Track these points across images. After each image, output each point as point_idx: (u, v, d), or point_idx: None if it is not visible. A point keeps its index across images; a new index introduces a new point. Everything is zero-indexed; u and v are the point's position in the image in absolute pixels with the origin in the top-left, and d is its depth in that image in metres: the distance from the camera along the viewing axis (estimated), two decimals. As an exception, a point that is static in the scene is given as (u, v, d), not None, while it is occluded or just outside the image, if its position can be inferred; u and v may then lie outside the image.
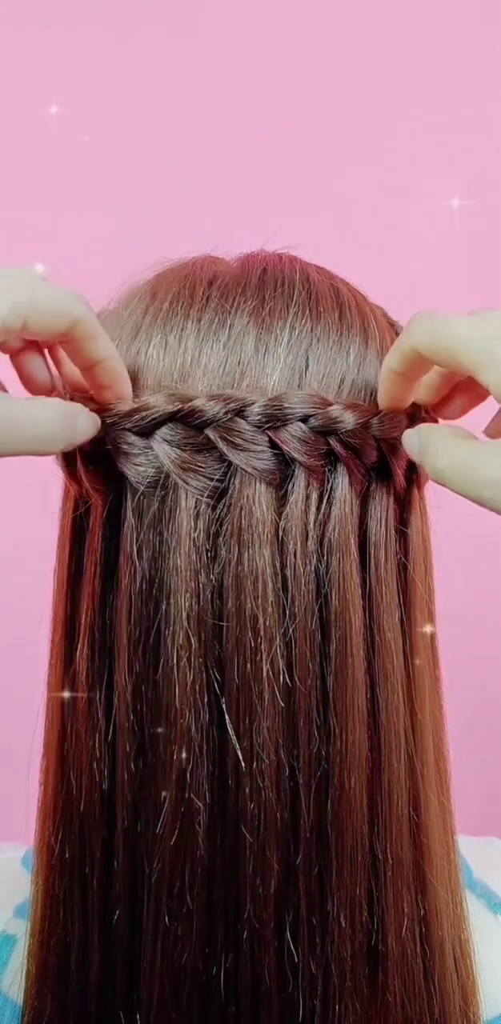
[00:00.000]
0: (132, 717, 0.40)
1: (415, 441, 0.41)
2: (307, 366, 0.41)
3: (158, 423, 0.40)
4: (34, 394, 0.42)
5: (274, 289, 0.43)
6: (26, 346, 0.41)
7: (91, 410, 0.41)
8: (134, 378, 0.42)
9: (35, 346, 0.42)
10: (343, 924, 0.40)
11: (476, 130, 1.03)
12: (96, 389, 0.41)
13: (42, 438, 0.38)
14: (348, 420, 0.40)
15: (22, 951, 0.45)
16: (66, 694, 0.43)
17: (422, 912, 0.43)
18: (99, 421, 0.41)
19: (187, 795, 0.39)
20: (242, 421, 0.40)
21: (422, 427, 0.41)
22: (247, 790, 0.39)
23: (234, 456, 0.40)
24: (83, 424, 0.40)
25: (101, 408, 0.41)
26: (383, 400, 0.42)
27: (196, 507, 0.40)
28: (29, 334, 0.38)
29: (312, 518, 0.40)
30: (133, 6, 1.05)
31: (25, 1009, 0.44)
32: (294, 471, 0.40)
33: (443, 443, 0.39)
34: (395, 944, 0.41)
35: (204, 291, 0.43)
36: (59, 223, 1.03)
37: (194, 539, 0.40)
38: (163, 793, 0.40)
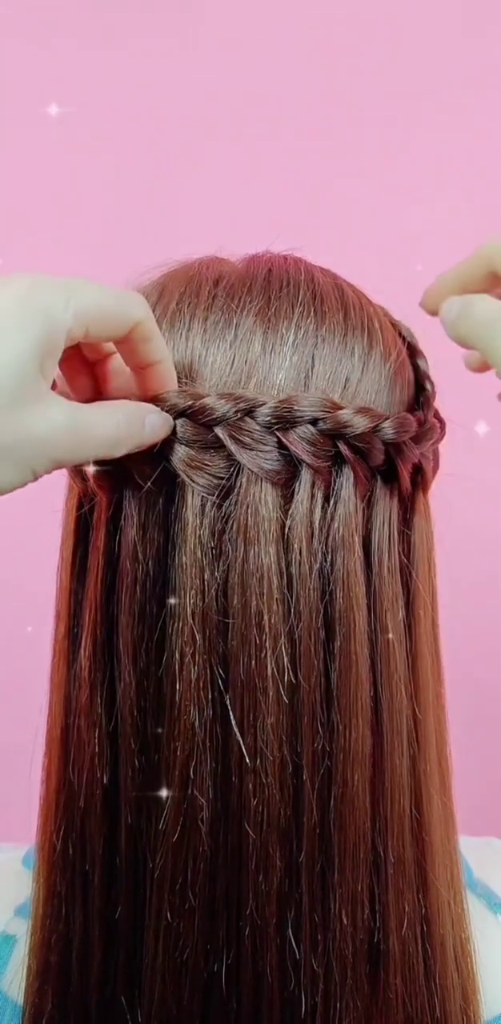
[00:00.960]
0: (135, 714, 0.41)
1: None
2: (313, 366, 0.41)
3: None
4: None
5: (279, 289, 0.43)
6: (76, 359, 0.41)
7: None
8: None
9: (84, 362, 0.42)
10: (345, 921, 0.40)
11: (476, 130, 1.03)
12: (145, 391, 0.41)
13: (109, 443, 0.38)
14: (358, 424, 0.41)
15: (23, 951, 0.45)
16: (69, 691, 0.44)
17: (423, 910, 0.43)
18: (171, 420, 0.40)
19: (190, 791, 0.39)
20: (251, 421, 0.40)
21: (467, 296, 0.45)
22: (250, 786, 0.39)
23: (242, 455, 0.40)
24: (152, 423, 0.39)
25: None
26: (432, 302, 0.47)
27: (202, 504, 0.40)
28: (89, 339, 0.38)
29: (317, 517, 0.40)
30: (134, 6, 1.05)
31: (26, 1006, 0.44)
32: (300, 471, 0.41)
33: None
34: (396, 942, 0.41)
35: (210, 291, 0.43)
36: (60, 224, 1.03)
37: (199, 536, 0.40)
38: (166, 790, 0.40)
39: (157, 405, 0.40)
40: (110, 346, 0.41)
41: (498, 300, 0.44)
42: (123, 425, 0.38)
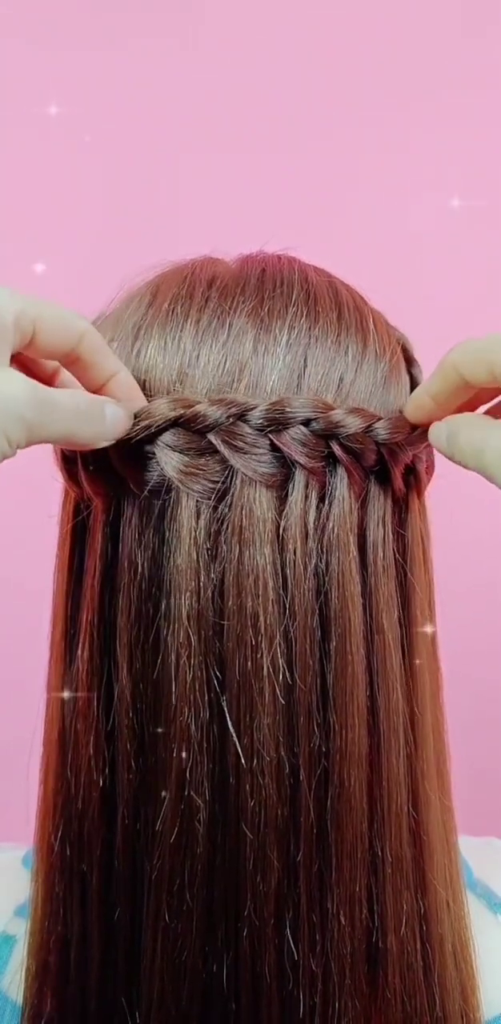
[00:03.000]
0: (132, 716, 0.41)
1: (442, 432, 0.42)
2: (306, 366, 0.41)
3: (161, 429, 0.40)
4: None
5: (273, 289, 0.43)
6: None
7: None
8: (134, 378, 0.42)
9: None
10: (343, 921, 0.40)
11: (476, 130, 1.03)
12: None
13: (74, 417, 0.38)
14: (350, 425, 0.40)
15: (22, 951, 0.45)
16: (66, 694, 0.44)
17: (422, 910, 0.43)
18: (131, 415, 0.40)
19: (187, 793, 0.39)
20: (244, 425, 0.40)
21: (452, 418, 0.42)
22: (247, 787, 0.39)
23: (236, 460, 0.40)
24: (113, 414, 0.40)
25: None
26: (414, 418, 0.44)
27: (197, 507, 0.40)
28: (38, 350, 0.38)
29: (312, 517, 0.40)
30: (134, 6, 1.05)
31: (25, 1007, 0.44)
32: (294, 473, 0.40)
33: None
34: (395, 941, 0.41)
35: (203, 292, 0.43)
36: (58, 224, 1.03)
37: (195, 538, 0.40)
38: (163, 791, 0.40)
39: (147, 421, 0.40)
40: (54, 364, 0.42)
41: (481, 420, 0.42)
42: (83, 406, 0.38)
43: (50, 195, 1.04)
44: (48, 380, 0.42)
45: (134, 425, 0.40)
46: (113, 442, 0.40)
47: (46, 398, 0.37)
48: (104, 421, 0.39)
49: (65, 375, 0.43)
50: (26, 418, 0.36)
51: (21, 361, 0.40)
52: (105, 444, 0.40)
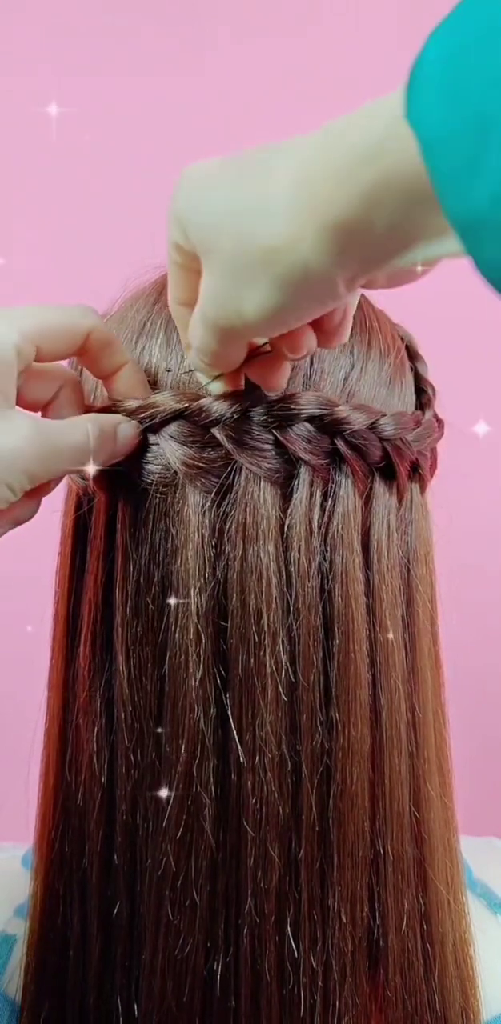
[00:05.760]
0: (131, 711, 0.41)
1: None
2: (311, 365, 0.41)
3: (165, 421, 0.40)
4: None
5: None
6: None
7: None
8: None
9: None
10: (344, 919, 0.40)
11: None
12: (119, 397, 0.42)
13: (81, 451, 0.38)
14: (355, 421, 0.40)
15: (22, 950, 0.45)
16: (67, 691, 0.44)
17: (423, 908, 0.43)
18: (139, 428, 0.41)
19: (196, 790, 0.39)
20: (248, 421, 0.40)
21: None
22: (249, 784, 0.39)
23: (240, 455, 0.40)
24: (124, 432, 0.40)
25: (108, 407, 0.41)
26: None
27: (202, 503, 0.40)
28: (44, 358, 0.38)
29: (316, 515, 0.40)
30: (135, 6, 1.05)
31: (24, 1005, 0.44)
32: (299, 469, 0.40)
33: None
34: (395, 939, 0.41)
35: None
36: (60, 224, 1.03)
37: (202, 535, 0.40)
38: (168, 787, 0.40)
39: (151, 411, 0.40)
40: (112, 364, 0.42)
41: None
42: (93, 433, 0.39)
43: (51, 195, 1.04)
44: (51, 401, 0.42)
45: (139, 415, 0.40)
46: (121, 457, 0.40)
47: (52, 448, 0.37)
48: (116, 441, 0.40)
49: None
50: (30, 471, 0.37)
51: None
52: (114, 461, 0.40)
